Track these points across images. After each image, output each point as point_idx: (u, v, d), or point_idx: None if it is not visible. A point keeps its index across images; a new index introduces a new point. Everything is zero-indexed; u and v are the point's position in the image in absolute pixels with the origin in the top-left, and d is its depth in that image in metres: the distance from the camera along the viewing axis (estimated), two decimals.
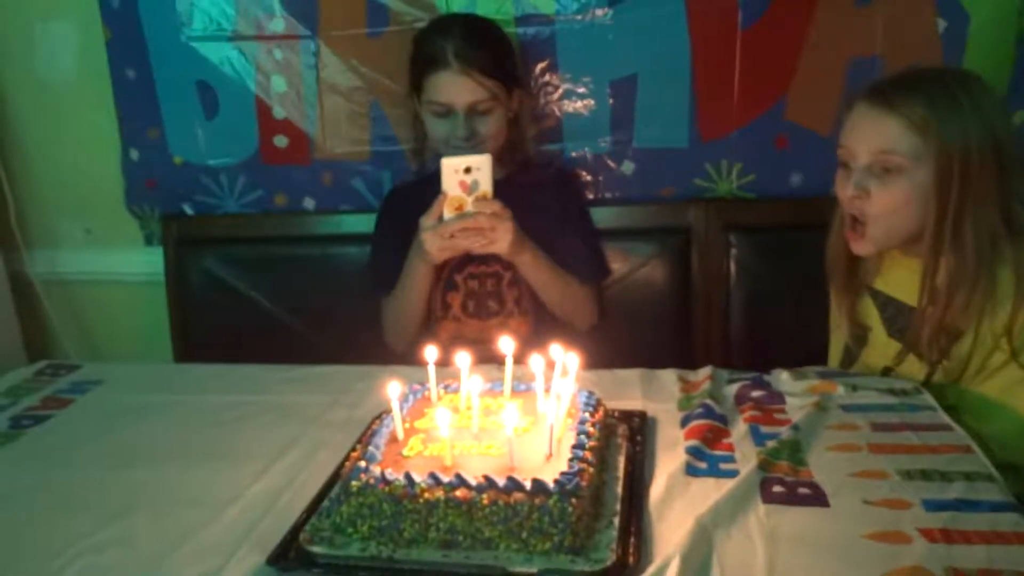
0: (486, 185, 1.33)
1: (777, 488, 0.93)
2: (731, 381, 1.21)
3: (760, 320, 1.69)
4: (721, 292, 1.70)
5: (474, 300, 1.56)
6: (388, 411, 1.09)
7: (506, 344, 1.06)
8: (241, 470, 1.04)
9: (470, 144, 1.49)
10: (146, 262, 1.94)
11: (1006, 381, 1.16)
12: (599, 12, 1.64)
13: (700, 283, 1.71)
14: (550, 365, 1.02)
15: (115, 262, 1.98)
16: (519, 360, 1.22)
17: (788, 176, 1.69)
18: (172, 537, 0.91)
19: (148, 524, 0.94)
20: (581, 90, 1.70)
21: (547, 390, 0.99)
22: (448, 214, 1.33)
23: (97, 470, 1.07)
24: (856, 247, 1.25)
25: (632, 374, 1.26)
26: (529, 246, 1.45)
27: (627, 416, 1.09)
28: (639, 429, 1.06)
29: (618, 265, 1.69)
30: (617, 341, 1.65)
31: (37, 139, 1.92)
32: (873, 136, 1.18)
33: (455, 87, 1.47)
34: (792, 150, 1.67)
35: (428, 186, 1.57)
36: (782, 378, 1.20)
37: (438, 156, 1.37)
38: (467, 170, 1.31)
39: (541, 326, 1.56)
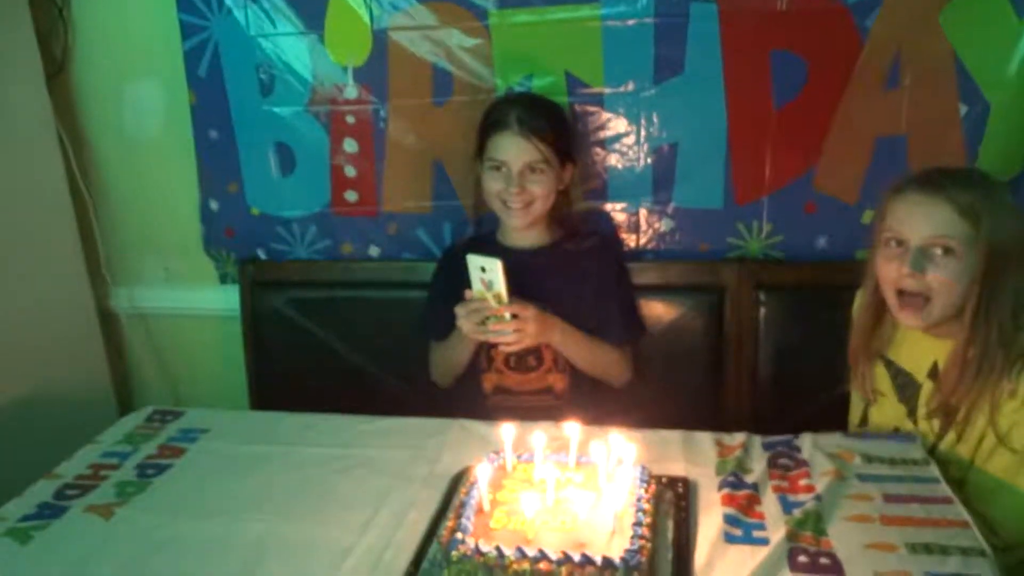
0: (499, 286, 1.50)
1: (802, 558, 1.10)
2: (765, 447, 1.38)
3: (787, 371, 1.86)
4: (751, 344, 1.87)
5: (515, 356, 1.71)
6: (467, 471, 1.30)
7: (571, 429, 1.26)
8: (348, 522, 1.20)
9: (521, 200, 1.65)
10: (221, 298, 2.14)
11: (1008, 461, 1.32)
12: (645, 90, 1.80)
13: (732, 336, 1.87)
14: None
15: (192, 298, 2.18)
16: (555, 416, 1.41)
17: (815, 239, 1.86)
18: None
19: (280, 571, 1.12)
20: (626, 152, 1.86)
21: (608, 473, 1.19)
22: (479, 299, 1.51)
23: (224, 520, 1.22)
24: (910, 320, 1.37)
25: (673, 436, 1.43)
26: (557, 328, 1.61)
27: (673, 482, 1.28)
28: (683, 494, 1.25)
29: (657, 318, 1.86)
30: (653, 389, 1.85)
31: (123, 189, 2.12)
32: (929, 221, 1.31)
33: (514, 146, 1.64)
34: (820, 215, 1.83)
35: (483, 245, 1.75)
36: (807, 444, 1.37)
37: (491, 214, 1.52)
38: (482, 269, 1.48)
39: (577, 380, 1.73)
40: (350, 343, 1.99)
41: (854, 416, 1.58)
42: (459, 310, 1.55)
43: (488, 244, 1.79)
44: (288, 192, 1.98)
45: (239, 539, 1.18)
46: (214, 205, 2.03)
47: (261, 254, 2.05)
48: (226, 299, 2.10)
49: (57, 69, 2.00)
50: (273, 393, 2.04)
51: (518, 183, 1.64)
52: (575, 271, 1.72)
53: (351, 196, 1.96)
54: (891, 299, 1.40)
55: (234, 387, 2.11)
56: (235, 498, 1.29)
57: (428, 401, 1.75)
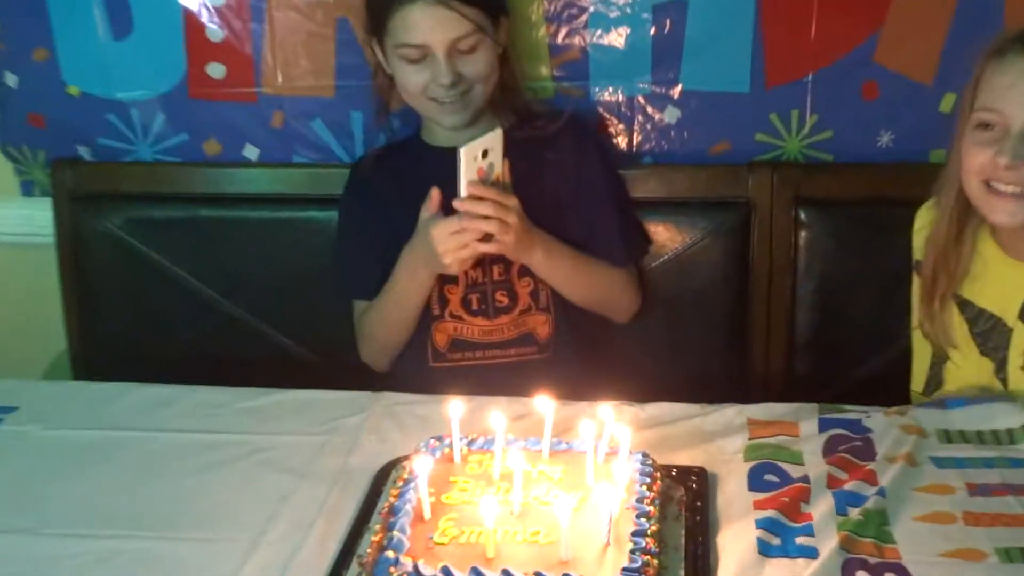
0: (500, 166, 1.52)
1: (861, 573, 1.11)
2: (822, 425, 1.41)
3: (833, 317, 1.90)
4: (786, 282, 1.90)
5: (478, 293, 1.73)
6: (398, 464, 1.30)
7: (545, 405, 1.26)
8: (222, 546, 1.19)
9: (457, 92, 1.65)
10: (24, 217, 2.09)
11: None
12: None
13: (761, 271, 1.90)
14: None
15: None
16: (536, 379, 1.42)
17: (876, 135, 1.88)
18: None
19: None
20: (614, 14, 1.85)
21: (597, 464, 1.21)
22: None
23: (41, 543, 1.20)
24: (1004, 216, 1.42)
25: (685, 410, 1.46)
26: (538, 243, 1.62)
27: (685, 474, 1.30)
28: (699, 492, 1.26)
29: (657, 247, 1.88)
30: (656, 342, 1.90)
31: None
32: None
33: (430, 20, 1.61)
34: (882, 102, 1.86)
35: (404, 156, 1.75)
36: (875, 419, 1.41)
37: (411, 114, 1.53)
38: (484, 154, 1.48)
39: (567, 322, 1.75)
40: (219, 284, 1.98)
41: (918, 377, 1.64)
42: (444, 237, 1.52)
43: (414, 151, 1.78)
44: (123, 63, 1.92)
45: (62, 570, 1.16)
46: (11, 80, 1.97)
47: (84, 153, 2.01)
48: (32, 218, 2.07)
49: None
50: (106, 356, 2.03)
51: (448, 70, 1.63)
52: (543, 167, 1.73)
53: (216, 71, 1.92)
54: (977, 193, 1.44)
55: (47, 346, 2.09)
56: (58, 509, 1.28)
57: (342, 367, 1.75)
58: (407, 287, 1.67)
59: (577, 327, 1.76)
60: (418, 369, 1.73)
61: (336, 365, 1.82)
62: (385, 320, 1.73)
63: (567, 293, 1.72)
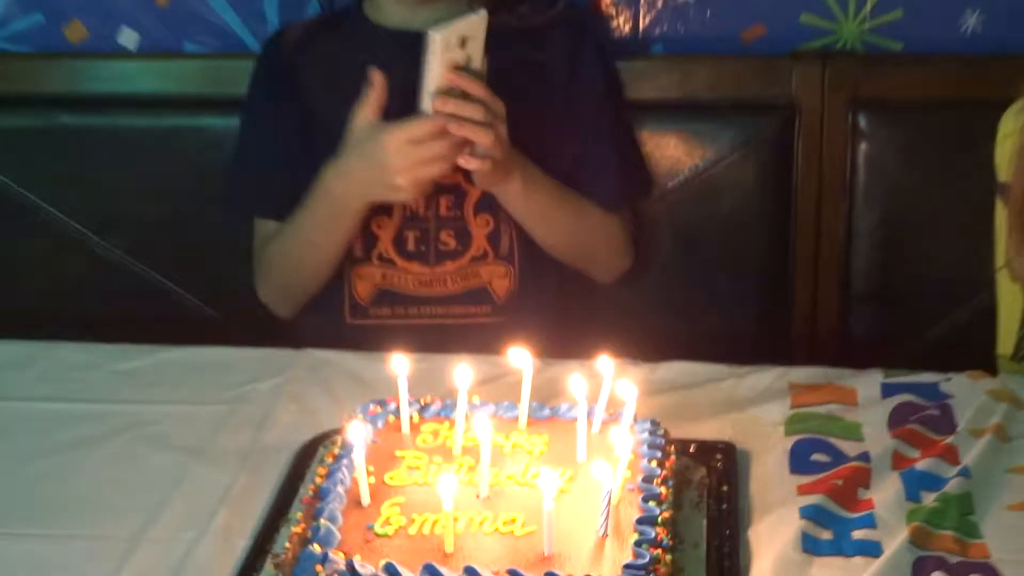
0: (480, 61, 1.50)
1: (938, 575, 1.14)
2: (886, 391, 1.42)
3: (899, 260, 1.91)
4: (839, 212, 1.90)
5: (417, 231, 1.72)
6: (326, 440, 1.30)
7: (522, 359, 1.26)
8: (94, 545, 1.18)
9: None
10: None
11: None
12: None
13: (806, 197, 1.90)
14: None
15: None
16: (489, 346, 1.43)
17: (958, 17, 1.89)
18: None
19: None
20: None
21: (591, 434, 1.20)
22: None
23: None
24: None
25: (707, 371, 1.46)
26: (519, 166, 1.61)
27: (707, 450, 1.30)
28: (726, 473, 1.27)
29: (671, 164, 1.88)
30: (668, 292, 1.90)
31: None
32: None
33: None
34: None
35: (337, 36, 1.74)
36: (956, 386, 1.42)
37: None
38: (462, 42, 1.47)
39: (533, 276, 1.75)
40: (87, 216, 1.98)
41: (1006, 338, 1.65)
42: (402, 147, 1.50)
43: (352, 30, 1.76)
44: None
45: None
46: None
47: None
48: None
49: None
50: None
51: None
52: (525, 71, 1.72)
53: None
54: None
55: None
56: None
57: (249, 323, 1.76)
58: (328, 218, 1.65)
59: (547, 283, 1.76)
60: (330, 326, 1.72)
61: (241, 321, 1.83)
62: (292, 258, 1.73)
63: (541, 238, 1.71)
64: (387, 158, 1.51)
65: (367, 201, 1.61)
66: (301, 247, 1.70)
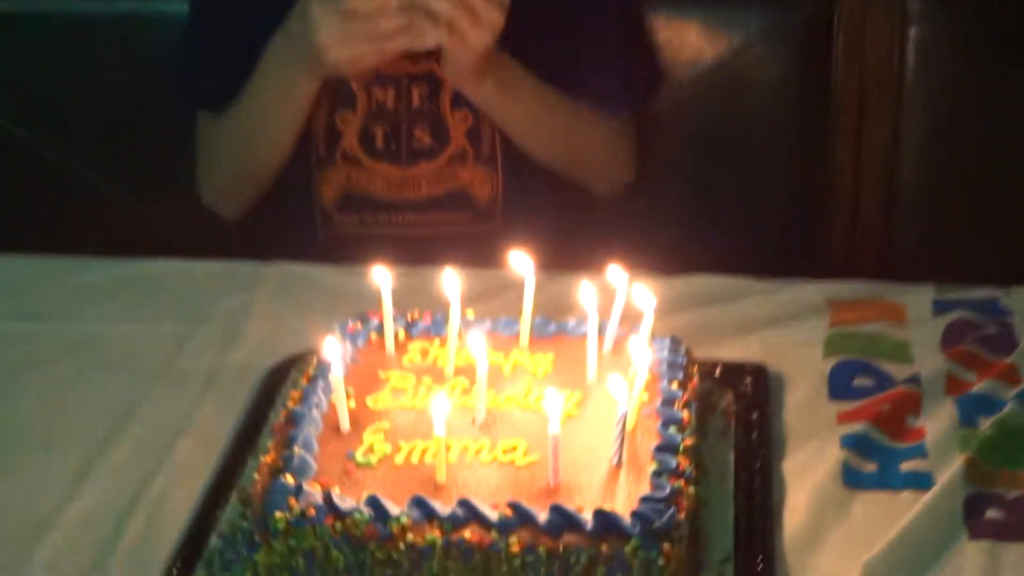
0: None
1: (993, 514, 1.13)
2: (935, 308, 1.42)
3: (954, 167, 1.90)
4: (885, 113, 1.88)
5: (386, 125, 1.71)
6: (300, 361, 1.29)
7: (524, 265, 1.25)
8: (41, 475, 1.20)
9: None
10: None
11: None
12: None
13: (846, 94, 1.88)
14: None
15: None
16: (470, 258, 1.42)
17: None
18: None
19: None
20: None
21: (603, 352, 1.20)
22: None
23: None
24: None
25: (737, 286, 1.47)
26: (492, 63, 1.58)
27: (734, 373, 1.29)
28: (756, 399, 1.27)
29: (689, 56, 1.86)
30: (686, 201, 1.90)
31: None
32: None
33: None
34: None
35: None
36: (1020, 299, 1.43)
37: None
38: None
39: (520, 181, 1.74)
40: (26, 116, 1.98)
41: None
42: (344, 17, 1.46)
43: None
44: None
45: None
46: None
47: None
48: None
49: None
50: None
51: None
52: None
53: None
54: None
55: None
56: None
57: (205, 229, 1.77)
58: (272, 98, 1.65)
59: (537, 189, 1.75)
60: (299, 239, 1.72)
61: (203, 234, 1.80)
62: (239, 145, 1.73)
63: (526, 145, 1.71)
64: (313, 32, 1.49)
65: (307, 79, 1.60)
66: (247, 132, 1.70)
